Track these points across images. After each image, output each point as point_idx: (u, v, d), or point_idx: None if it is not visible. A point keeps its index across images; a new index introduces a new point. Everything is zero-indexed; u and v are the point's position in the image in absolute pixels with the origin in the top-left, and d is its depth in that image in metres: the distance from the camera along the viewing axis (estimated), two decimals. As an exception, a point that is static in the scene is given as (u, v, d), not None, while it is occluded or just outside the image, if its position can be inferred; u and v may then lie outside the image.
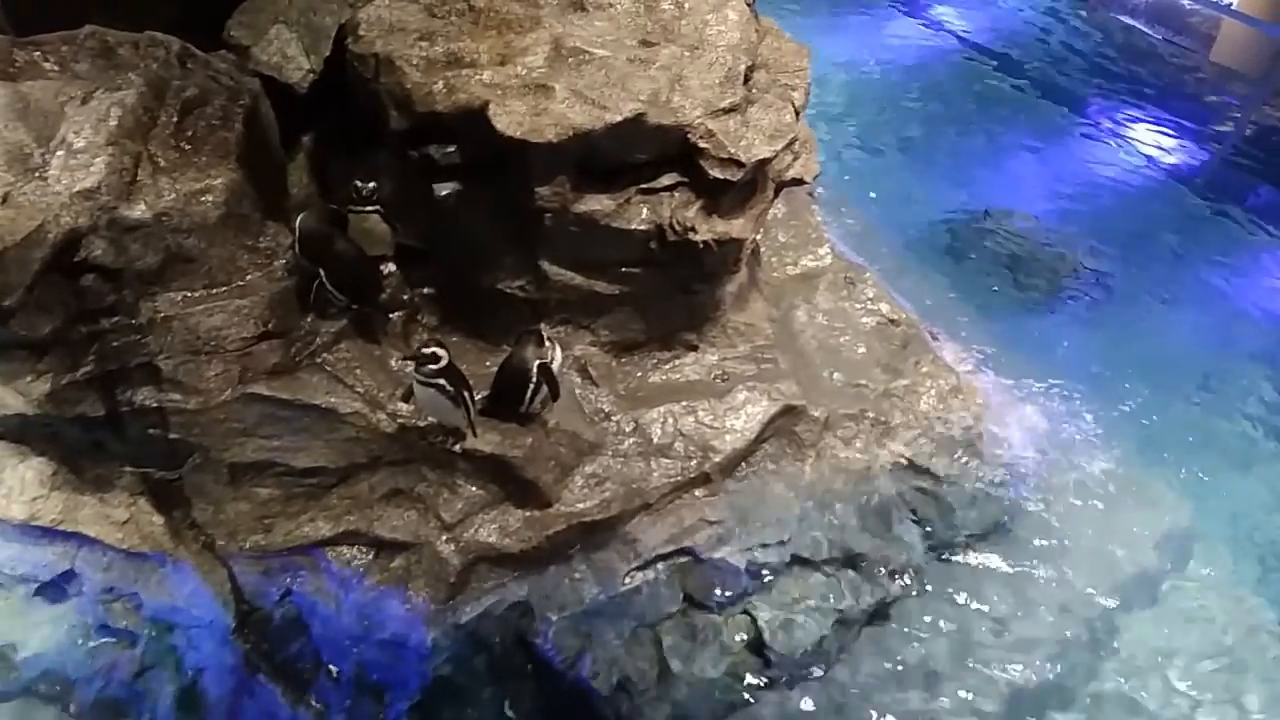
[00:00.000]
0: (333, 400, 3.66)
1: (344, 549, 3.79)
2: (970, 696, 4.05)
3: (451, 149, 3.80)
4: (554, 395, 3.76)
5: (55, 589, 3.83)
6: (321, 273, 3.64)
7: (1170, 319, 6.44)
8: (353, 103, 3.93)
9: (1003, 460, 4.87)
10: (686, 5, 4.25)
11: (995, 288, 6.36)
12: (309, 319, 3.74)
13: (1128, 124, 8.22)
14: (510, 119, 3.62)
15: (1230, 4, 9.78)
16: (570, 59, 3.89)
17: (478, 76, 3.79)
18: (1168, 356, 6.15)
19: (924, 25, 9.47)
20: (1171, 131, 8.10)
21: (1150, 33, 9.44)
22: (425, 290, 4.11)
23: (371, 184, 3.78)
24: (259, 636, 3.72)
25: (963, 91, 8.43)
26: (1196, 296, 6.65)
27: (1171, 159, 7.89)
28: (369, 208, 3.79)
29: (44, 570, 3.78)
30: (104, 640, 3.82)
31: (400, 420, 3.69)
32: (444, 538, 3.73)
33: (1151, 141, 8.02)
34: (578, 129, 3.63)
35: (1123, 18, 9.62)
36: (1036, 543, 4.60)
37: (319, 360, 3.73)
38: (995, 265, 6.57)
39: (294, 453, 3.70)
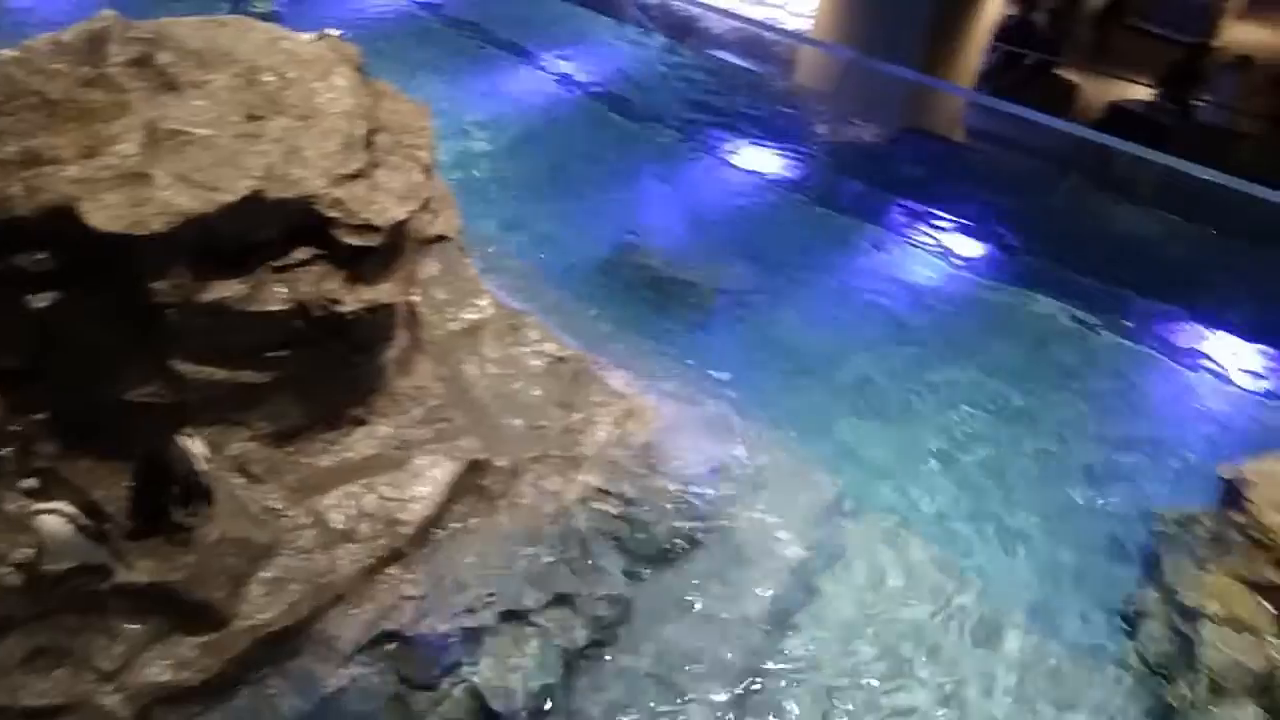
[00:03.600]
0: (-66, 565, 3.12)
1: (-17, 732, 3.22)
2: (691, 703, 4.21)
3: (42, 255, 3.40)
4: (199, 501, 3.45)
5: None
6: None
7: (807, 314, 7.16)
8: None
9: (683, 472, 5.11)
10: (290, 75, 4.13)
11: (650, 313, 6.73)
12: (-113, 476, 3.17)
13: (739, 148, 9.11)
14: (107, 214, 3.30)
15: (804, 32, 11.19)
16: (168, 142, 3.62)
17: (62, 173, 3.43)
18: (811, 347, 6.83)
19: (546, 76, 9.90)
20: (776, 149, 9.07)
21: (743, 64, 10.54)
22: (38, 416, 3.61)
23: (-55, 308, 3.28)
24: None
25: (592, 135, 8.91)
26: (823, 289, 7.46)
27: (781, 174, 8.83)
28: (-54, 335, 3.29)
29: None
30: None
31: (28, 569, 3.20)
32: (106, 689, 3.27)
33: (761, 161, 8.94)
34: (188, 214, 3.37)
35: (717, 52, 10.67)
36: (724, 543, 4.87)
37: (-92, 522, 3.17)
38: (647, 292, 6.97)
39: (-104, 635, 3.11)
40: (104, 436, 3.64)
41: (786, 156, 8.95)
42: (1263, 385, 7.09)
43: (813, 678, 4.48)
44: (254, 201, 3.56)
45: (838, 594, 4.90)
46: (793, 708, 4.34)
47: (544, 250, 7.09)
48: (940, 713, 4.43)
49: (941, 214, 8.31)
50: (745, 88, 10.18)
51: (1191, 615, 4.75)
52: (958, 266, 7.91)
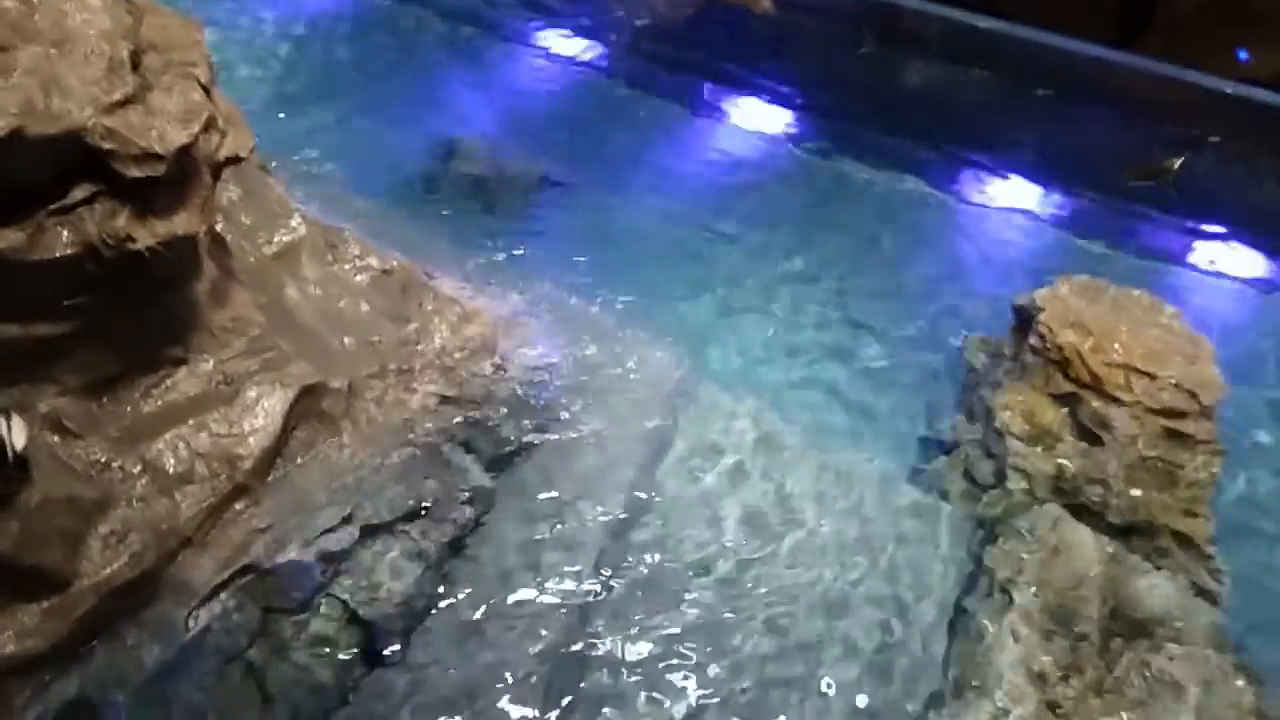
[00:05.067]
0: None
1: None
2: (556, 586, 4.38)
3: None
4: (8, 472, 3.27)
5: None
6: None
7: (629, 197, 7.26)
8: None
9: (527, 367, 5.19)
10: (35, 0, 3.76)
11: (475, 214, 6.66)
12: None
13: (543, 35, 8.92)
14: None
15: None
16: (-98, 86, 3.27)
17: None
18: (640, 233, 6.94)
19: (331, -26, 9.33)
20: (580, 36, 8.94)
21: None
22: None
23: None
24: None
25: (390, 35, 8.52)
26: (643, 171, 7.54)
27: (589, 59, 8.73)
28: None
29: None
30: None
31: None
32: (-55, 672, 3.14)
33: (566, 49, 8.80)
34: (-61, 162, 3.09)
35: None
36: (573, 434, 5.00)
37: None
38: (469, 193, 6.86)
39: None
40: (-111, 413, 3.37)
41: (592, 41, 8.85)
42: (1053, 219, 7.71)
43: (670, 557, 4.69)
44: (15, 141, 3.27)
45: (686, 468, 5.12)
46: (655, 587, 4.54)
47: (355, 161, 6.83)
48: (790, 564, 4.73)
49: (747, 84, 8.48)
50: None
51: (999, 433, 5.24)
52: (768, 134, 8.13)
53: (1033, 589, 4.59)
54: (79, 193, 3.54)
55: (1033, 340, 5.55)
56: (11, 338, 3.49)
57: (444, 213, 6.56)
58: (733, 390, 5.61)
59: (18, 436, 3.32)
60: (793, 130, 8.14)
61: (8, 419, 3.31)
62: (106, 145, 3.50)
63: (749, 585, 4.60)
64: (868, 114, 8.04)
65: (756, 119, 8.26)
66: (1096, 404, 5.25)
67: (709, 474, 5.07)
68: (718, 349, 5.98)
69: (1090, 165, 7.82)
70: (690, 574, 4.60)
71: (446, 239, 6.06)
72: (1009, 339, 5.90)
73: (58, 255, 3.44)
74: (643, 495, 4.89)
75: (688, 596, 4.53)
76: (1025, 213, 7.70)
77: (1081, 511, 5.01)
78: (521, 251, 6.25)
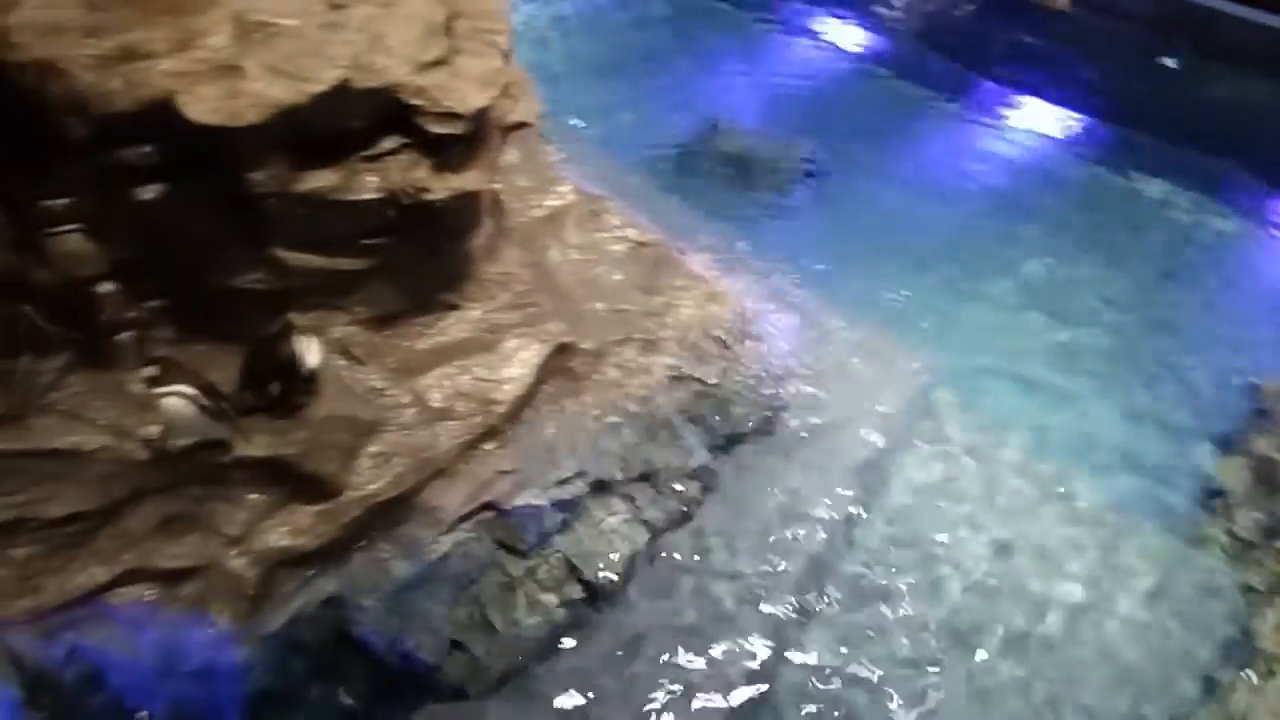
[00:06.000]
0: (74, 440, 3.38)
1: (127, 589, 3.53)
2: (772, 574, 4.37)
3: (148, 148, 3.53)
4: (304, 387, 3.66)
5: None
6: (28, 308, 3.34)
7: (890, 195, 7.04)
8: (18, 118, 3.55)
9: (765, 353, 5.18)
10: (371, -37, 4.13)
11: (730, 195, 6.71)
12: (24, 359, 3.42)
13: (815, 20, 8.79)
14: (203, 106, 3.40)
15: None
16: (257, 34, 3.69)
17: (159, 67, 3.52)
18: (896, 229, 6.73)
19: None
20: (853, 21, 8.74)
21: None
22: (154, 303, 3.82)
23: (63, 201, 3.46)
24: (54, 701, 3.42)
25: (667, 14, 8.70)
26: (907, 169, 7.30)
27: (858, 47, 8.55)
28: (66, 227, 3.47)
29: None
30: None
31: (155, 445, 3.47)
32: (232, 552, 3.56)
33: (842, 35, 8.64)
34: (280, 105, 3.46)
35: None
36: (804, 425, 4.97)
37: (47, 400, 3.43)
38: (726, 173, 6.92)
39: (44, 504, 3.40)
40: (216, 322, 3.86)
41: (866, 29, 8.65)
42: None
43: (888, 567, 4.59)
44: (342, 91, 3.63)
45: (916, 476, 4.97)
46: (868, 597, 4.46)
47: (622, 134, 7.07)
48: (1026, 599, 4.49)
49: (1033, 86, 7.98)
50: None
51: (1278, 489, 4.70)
52: (1051, 142, 7.63)
53: (1303, 671, 4.11)
54: (387, 143, 3.88)
55: (1337, 394, 4.93)
56: (317, 267, 3.89)
57: (701, 191, 6.65)
58: (977, 404, 5.37)
59: (314, 355, 3.71)
60: (1077, 137, 7.58)
61: (306, 339, 3.71)
62: (416, 102, 3.81)
63: (970, 611, 4.40)
64: (1168, 128, 7.34)
65: (1036, 121, 7.77)
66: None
67: (939, 487, 4.89)
68: (966, 359, 5.70)
69: None
70: (908, 590, 4.47)
71: (701, 217, 6.14)
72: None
73: (364, 198, 3.79)
74: (869, 499, 4.78)
75: (901, 612, 4.41)
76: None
77: (1370, 593, 4.42)
78: (772, 236, 6.24)
